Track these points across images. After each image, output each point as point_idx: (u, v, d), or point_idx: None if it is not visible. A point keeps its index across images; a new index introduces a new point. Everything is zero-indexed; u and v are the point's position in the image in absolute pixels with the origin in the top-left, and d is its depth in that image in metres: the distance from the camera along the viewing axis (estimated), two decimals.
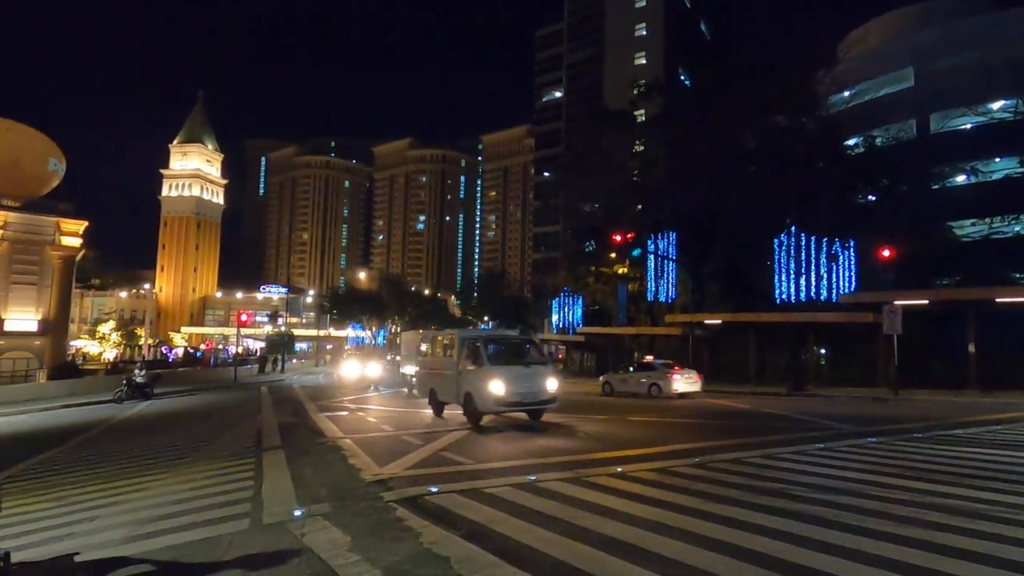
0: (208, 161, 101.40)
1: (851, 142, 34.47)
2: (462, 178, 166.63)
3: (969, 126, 33.33)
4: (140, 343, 69.37)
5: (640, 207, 39.71)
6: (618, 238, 28.06)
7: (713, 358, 30.65)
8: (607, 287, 43.67)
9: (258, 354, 54.03)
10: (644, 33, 69.15)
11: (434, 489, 6.87)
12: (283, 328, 65.16)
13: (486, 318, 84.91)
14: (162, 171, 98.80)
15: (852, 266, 27.59)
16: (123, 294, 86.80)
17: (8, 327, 39.46)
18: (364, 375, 25.63)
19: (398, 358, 53.77)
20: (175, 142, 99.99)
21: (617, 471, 7.80)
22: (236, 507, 6.49)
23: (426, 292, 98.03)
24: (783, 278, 28.45)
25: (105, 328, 69.33)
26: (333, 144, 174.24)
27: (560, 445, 10.30)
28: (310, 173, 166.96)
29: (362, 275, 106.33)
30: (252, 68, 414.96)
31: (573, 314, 47.32)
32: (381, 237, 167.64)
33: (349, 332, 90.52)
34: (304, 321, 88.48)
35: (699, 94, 42.39)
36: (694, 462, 8.37)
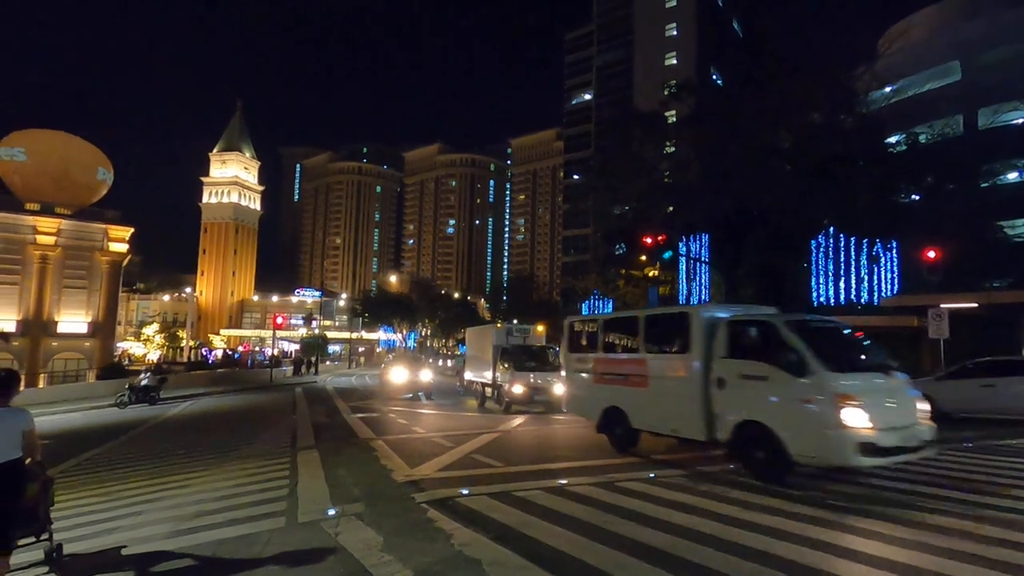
0: (246, 168, 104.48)
1: (893, 139, 33.27)
2: (491, 182, 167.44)
3: (1022, 120, 31.84)
4: (182, 345, 71.89)
5: (671, 209, 39.12)
6: (649, 240, 27.65)
7: None
8: (637, 290, 43.19)
9: (292, 356, 55.23)
10: (675, 33, 68.38)
11: (465, 491, 6.91)
12: (316, 331, 66.56)
13: (515, 321, 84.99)
14: (202, 179, 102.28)
15: (895, 268, 26.61)
16: (166, 298, 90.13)
17: (61, 329, 41.44)
18: (412, 381, 23.04)
19: (449, 363, 54.11)
20: (215, 151, 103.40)
21: (650, 476, 7.71)
22: (273, 505, 6.66)
23: (456, 295, 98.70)
24: (821, 280, 27.65)
25: (149, 330, 72.01)
26: (365, 150, 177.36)
27: (591, 449, 10.22)
28: (343, 179, 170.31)
29: (393, 279, 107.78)
30: (288, 78, 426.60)
31: None
32: (412, 241, 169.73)
33: (380, 335, 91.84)
34: (337, 324, 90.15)
35: (732, 93, 41.58)
36: (729, 468, 8.19)
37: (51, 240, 40.88)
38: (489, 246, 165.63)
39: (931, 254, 20.76)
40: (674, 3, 68.91)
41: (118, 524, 6.28)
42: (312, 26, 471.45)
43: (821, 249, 27.80)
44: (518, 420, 14.77)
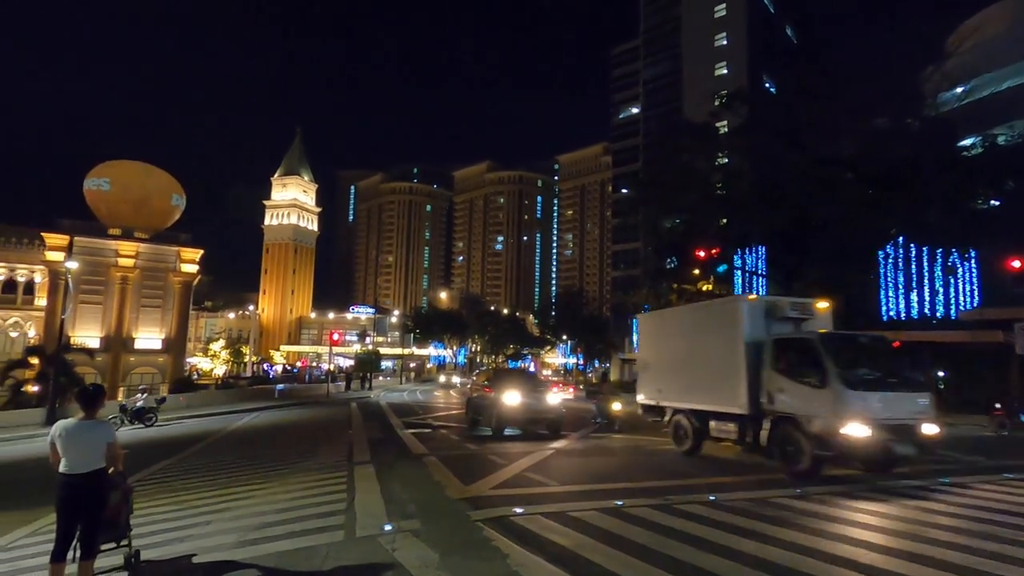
0: (304, 191, 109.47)
1: (967, 142, 31.29)
2: (539, 198, 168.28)
3: None
4: (245, 360, 75.36)
5: (725, 221, 38.07)
6: (702, 254, 26.97)
7: None
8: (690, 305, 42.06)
9: (349, 371, 56.76)
10: (724, 43, 67.21)
11: (519, 510, 6.84)
12: (370, 346, 68.32)
13: (564, 337, 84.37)
14: (265, 202, 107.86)
15: (974, 279, 24.81)
16: (231, 315, 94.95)
17: (138, 345, 44.36)
18: (531, 406, 15.19)
19: (590, 382, 50.52)
20: (276, 175, 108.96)
21: (709, 499, 7.40)
22: (331, 519, 6.80)
23: (504, 311, 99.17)
24: (891, 294, 26.10)
25: (216, 346, 75.92)
26: (416, 170, 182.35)
27: (647, 469, 9.93)
28: (395, 199, 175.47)
29: (443, 295, 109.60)
30: (344, 104, 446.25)
31: None
32: (461, 258, 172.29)
33: (431, 351, 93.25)
34: (389, 340, 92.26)
35: (787, 101, 40.25)
36: (795, 493, 7.77)
37: (131, 262, 43.99)
38: (537, 262, 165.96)
39: (1016, 264, 19.25)
40: (723, 12, 67.87)
41: (189, 533, 6.56)
42: (365, 55, 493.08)
43: (890, 260, 26.27)
44: (572, 437, 14.56)
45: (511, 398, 15.00)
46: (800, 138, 29.61)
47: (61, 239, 41.44)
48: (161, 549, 5.93)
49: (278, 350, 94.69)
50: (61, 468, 4.67)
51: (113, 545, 5.18)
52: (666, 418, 12.59)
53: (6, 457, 15.92)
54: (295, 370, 75.11)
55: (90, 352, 36.43)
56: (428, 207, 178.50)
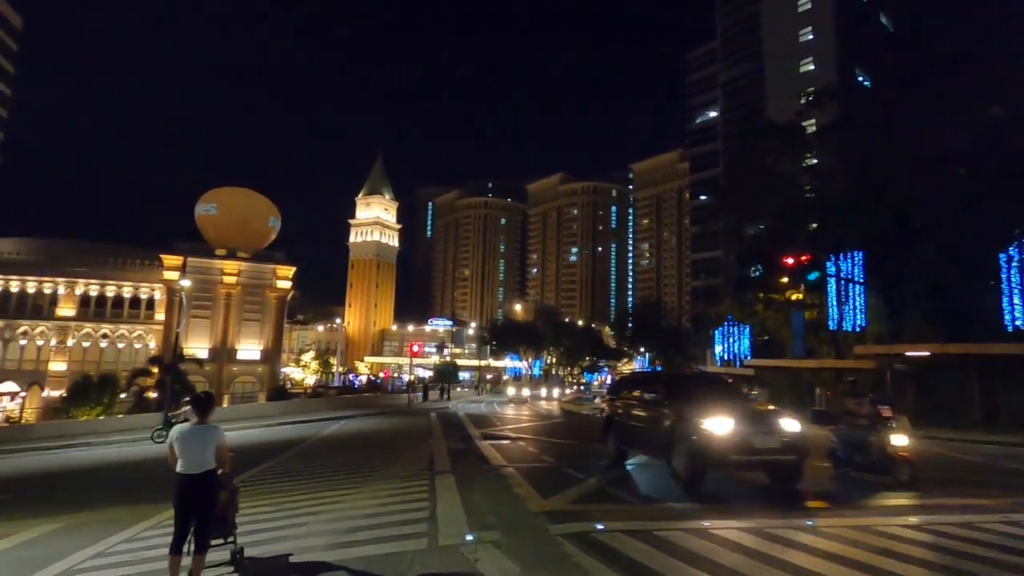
0: (386, 209, 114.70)
1: None
2: (613, 208, 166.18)
3: None
4: (333, 371, 79.60)
5: (815, 226, 35.69)
6: (790, 261, 25.39)
7: (920, 397, 25.83)
8: (779, 315, 39.59)
9: (426, 382, 58.22)
10: (810, 38, 63.57)
11: (601, 526, 6.69)
12: (448, 358, 69.99)
13: (642, 349, 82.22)
14: (350, 221, 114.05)
15: None
16: (320, 328, 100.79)
17: (240, 356, 48.10)
18: (760, 438, 9.02)
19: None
20: (360, 195, 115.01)
21: (807, 524, 6.88)
22: (415, 526, 6.98)
23: (579, 323, 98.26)
24: (1016, 301, 23.21)
25: (307, 357, 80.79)
26: (490, 185, 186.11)
27: (733, 490, 9.41)
28: (470, 213, 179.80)
29: (518, 307, 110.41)
30: (422, 123, 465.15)
31: (739, 345, 43.67)
32: (535, 270, 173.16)
33: (507, 362, 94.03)
34: (466, 352, 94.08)
35: (884, 93, 37.34)
36: (910, 523, 7.05)
37: (234, 280, 47.95)
38: (613, 273, 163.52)
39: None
40: (808, 6, 64.33)
41: (286, 533, 6.98)
42: (439, 76, 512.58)
43: (1012, 263, 23.42)
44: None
45: (719, 425, 8.78)
46: (901, 132, 27.30)
47: (176, 260, 45.99)
48: (262, 547, 6.34)
49: (362, 361, 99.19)
50: (178, 468, 5.14)
51: (221, 541, 5.61)
52: None
53: (131, 456, 17.75)
54: (378, 381, 78.32)
55: (200, 362, 39.95)
56: (503, 220, 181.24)
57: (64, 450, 19.67)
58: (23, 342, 46.16)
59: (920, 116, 26.60)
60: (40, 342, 46.30)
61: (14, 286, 46.38)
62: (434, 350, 76.97)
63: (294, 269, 50.75)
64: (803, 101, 39.18)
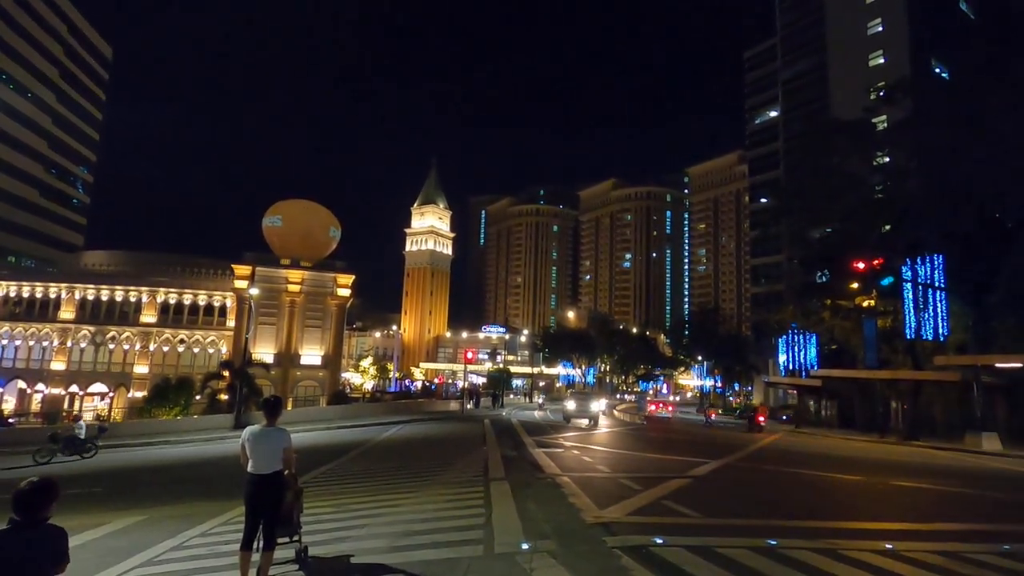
0: (440, 218, 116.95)
1: None
2: (668, 213, 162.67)
3: None
4: (389, 376, 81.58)
5: (888, 227, 33.61)
6: (861, 265, 24.02)
7: (1013, 413, 23.73)
8: (848, 323, 37.40)
9: (477, 388, 58.49)
10: (880, 29, 60.12)
11: (659, 540, 6.51)
12: (501, 365, 70.27)
13: (699, 358, 79.73)
14: (406, 230, 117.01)
15: None
16: (377, 334, 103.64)
17: (303, 361, 50.13)
18: None
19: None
20: (415, 205, 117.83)
21: (886, 548, 6.43)
22: (471, 532, 7.02)
23: (634, 330, 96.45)
24: None
25: (365, 363, 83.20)
26: (542, 192, 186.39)
27: (803, 506, 8.93)
28: (522, 221, 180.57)
29: (571, 314, 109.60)
30: (475, 133, 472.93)
31: (805, 354, 41.54)
32: (588, 277, 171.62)
33: (560, 370, 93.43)
34: (519, 359, 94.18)
35: (966, 85, 34.82)
36: (1001, 550, 6.46)
37: (297, 288, 50.12)
38: (668, 279, 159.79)
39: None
40: None
41: (348, 534, 7.18)
42: (490, 84, 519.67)
43: None
44: (711, 465, 13.63)
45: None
46: (988, 125, 25.35)
47: (245, 269, 48.55)
48: (325, 547, 6.55)
49: (418, 367, 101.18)
50: (248, 468, 5.39)
51: (287, 540, 5.83)
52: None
53: (205, 454, 18.83)
54: (433, 387, 79.66)
55: (266, 366, 41.90)
56: (555, 227, 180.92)
57: (146, 448, 21.10)
58: (111, 346, 49.96)
59: (1010, 108, 24.57)
60: (126, 346, 49.97)
61: (104, 295, 50.36)
62: (487, 357, 77.44)
63: (353, 278, 52.49)
64: (873, 96, 37.15)
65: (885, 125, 38.47)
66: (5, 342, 49.25)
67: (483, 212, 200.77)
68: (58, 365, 48.66)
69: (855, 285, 34.00)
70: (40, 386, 48.61)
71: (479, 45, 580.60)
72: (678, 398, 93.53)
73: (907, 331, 29.85)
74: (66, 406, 46.98)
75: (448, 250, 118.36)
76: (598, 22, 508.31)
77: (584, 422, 27.45)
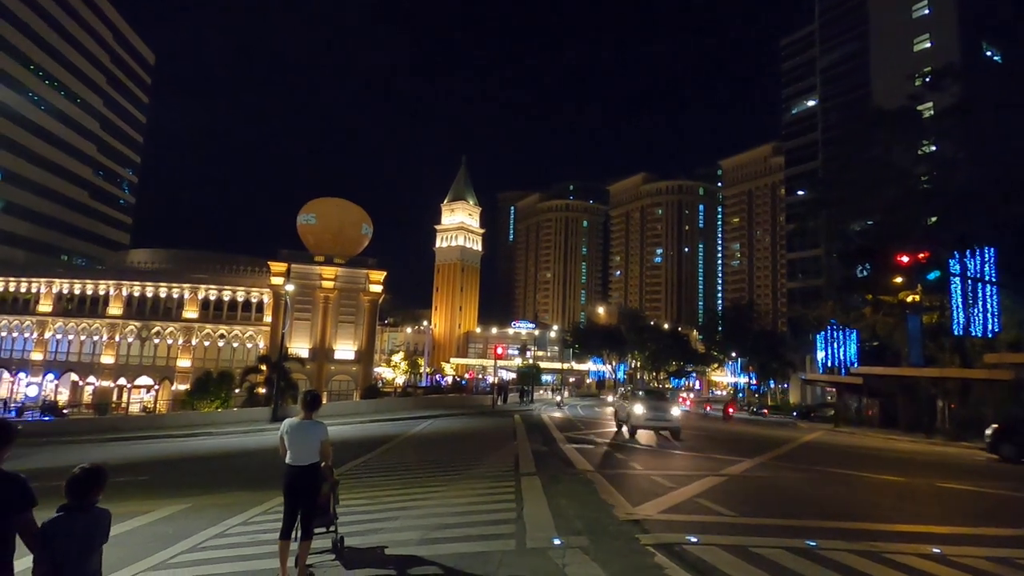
0: (469, 215, 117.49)
1: None
2: (700, 207, 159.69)
3: None
4: (420, 371, 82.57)
5: (935, 219, 32.24)
6: (905, 259, 23.12)
7: None
8: (891, 319, 36.04)
9: (504, 384, 58.06)
10: (926, 12, 57.51)
11: (693, 539, 6.41)
12: (531, 360, 70.26)
13: (734, 354, 78.09)
14: (436, 226, 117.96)
15: None
16: (408, 330, 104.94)
17: (337, 356, 51.17)
18: None
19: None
20: (445, 201, 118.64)
21: (933, 552, 6.18)
22: (502, 527, 7.05)
23: (665, 326, 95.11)
24: None
25: (396, 358, 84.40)
26: (571, 187, 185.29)
27: (841, 506, 8.67)
28: (551, 216, 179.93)
29: (601, 310, 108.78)
30: (503, 129, 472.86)
31: (845, 351, 40.20)
32: (618, 272, 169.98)
33: (590, 366, 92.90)
34: (549, 354, 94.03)
35: (1020, 68, 33.07)
36: None
37: (331, 284, 51.14)
38: (700, 274, 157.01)
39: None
40: None
41: (381, 526, 7.31)
42: (518, 80, 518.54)
43: None
44: (746, 463, 13.36)
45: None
46: None
47: (281, 266, 49.79)
48: (360, 538, 6.67)
49: (448, 362, 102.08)
50: (287, 460, 5.54)
51: (323, 530, 5.97)
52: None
53: (245, 446, 19.42)
54: (463, 382, 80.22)
55: (302, 361, 42.97)
56: (584, 223, 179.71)
57: (189, 438, 21.90)
58: (156, 341, 51.97)
59: None
60: (170, 341, 51.90)
61: (149, 291, 52.39)
62: (517, 352, 77.56)
63: (385, 274, 53.25)
64: (918, 83, 35.60)
65: (931, 113, 36.87)
66: (59, 337, 51.76)
67: (512, 208, 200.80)
68: (107, 359, 50.89)
69: (899, 280, 32.72)
70: (91, 379, 50.95)
71: (507, 42, 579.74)
72: (713, 394, 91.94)
73: (955, 327, 28.59)
74: (115, 398, 49.15)
75: (478, 246, 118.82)
76: (626, 15, 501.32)
77: (659, 430, 19.53)
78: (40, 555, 2.88)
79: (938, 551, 6.19)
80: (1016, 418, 19.33)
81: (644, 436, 19.68)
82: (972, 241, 27.37)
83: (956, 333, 28.84)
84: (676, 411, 19.66)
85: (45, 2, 68.88)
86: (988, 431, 18.01)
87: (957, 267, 27.34)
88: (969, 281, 26.97)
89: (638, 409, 19.07)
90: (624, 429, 20.43)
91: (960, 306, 27.98)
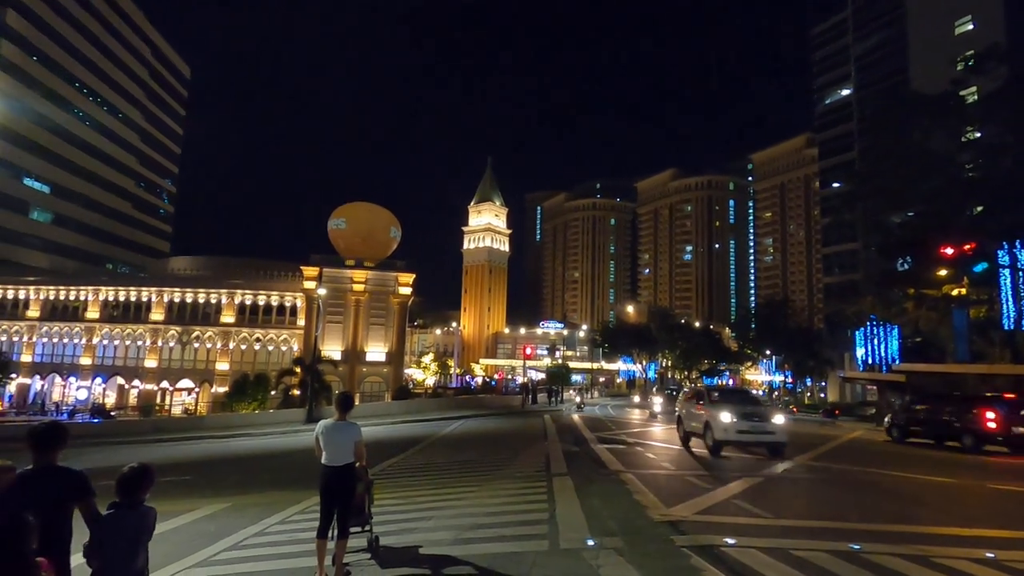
0: (496, 216, 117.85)
1: None
2: (731, 202, 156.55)
3: None
4: (450, 372, 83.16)
5: (981, 209, 30.89)
6: (950, 251, 22.21)
7: None
8: (934, 313, 34.64)
9: (532, 384, 57.77)
10: None
11: (731, 541, 6.28)
12: (560, 360, 70.11)
13: (768, 352, 76.25)
14: (463, 228, 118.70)
15: None
16: (438, 331, 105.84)
17: (368, 358, 51.97)
18: None
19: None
20: (472, 203, 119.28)
21: (987, 556, 5.91)
22: (535, 527, 7.03)
23: (696, 324, 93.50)
24: None
25: (426, 359, 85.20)
26: (598, 186, 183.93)
27: (887, 509, 8.37)
28: (578, 215, 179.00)
29: (630, 309, 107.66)
30: (530, 130, 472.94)
31: (886, 347, 38.84)
32: (647, 270, 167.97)
33: (620, 365, 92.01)
34: (578, 354, 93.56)
35: None
36: None
37: (361, 287, 51.97)
38: (732, 270, 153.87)
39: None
40: None
41: (415, 526, 7.38)
42: (548, 82, 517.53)
43: None
44: (784, 463, 13.03)
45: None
46: None
47: (313, 271, 50.86)
48: (394, 537, 6.75)
49: (477, 363, 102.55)
50: (323, 460, 5.64)
51: (359, 529, 6.06)
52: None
53: (282, 446, 19.90)
54: (493, 382, 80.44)
55: (334, 363, 43.77)
56: (612, 221, 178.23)
57: (229, 439, 22.55)
58: (196, 345, 53.73)
59: None
60: (209, 345, 53.58)
61: (188, 297, 54.20)
62: (546, 353, 77.45)
63: (414, 276, 53.85)
64: (960, 67, 34.18)
65: (975, 98, 35.35)
66: (106, 342, 53.98)
67: (539, 208, 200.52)
68: (150, 363, 52.84)
69: (943, 272, 31.42)
70: (136, 382, 52.99)
71: (535, 42, 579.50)
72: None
73: (1005, 321, 27.31)
74: (158, 400, 51.01)
75: (505, 247, 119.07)
76: (653, 12, 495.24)
77: (755, 445, 14.83)
78: (93, 548, 3.02)
79: (992, 555, 5.91)
80: None
81: (673, 436, 18.08)
82: (1022, 230, 26.13)
83: (1007, 327, 27.54)
84: (779, 419, 14.98)
85: (88, 22, 72.00)
86: None
87: (1006, 258, 26.12)
88: (1020, 272, 25.74)
89: (725, 417, 14.32)
90: (693, 442, 16.16)
91: (1011, 299, 26.71)
